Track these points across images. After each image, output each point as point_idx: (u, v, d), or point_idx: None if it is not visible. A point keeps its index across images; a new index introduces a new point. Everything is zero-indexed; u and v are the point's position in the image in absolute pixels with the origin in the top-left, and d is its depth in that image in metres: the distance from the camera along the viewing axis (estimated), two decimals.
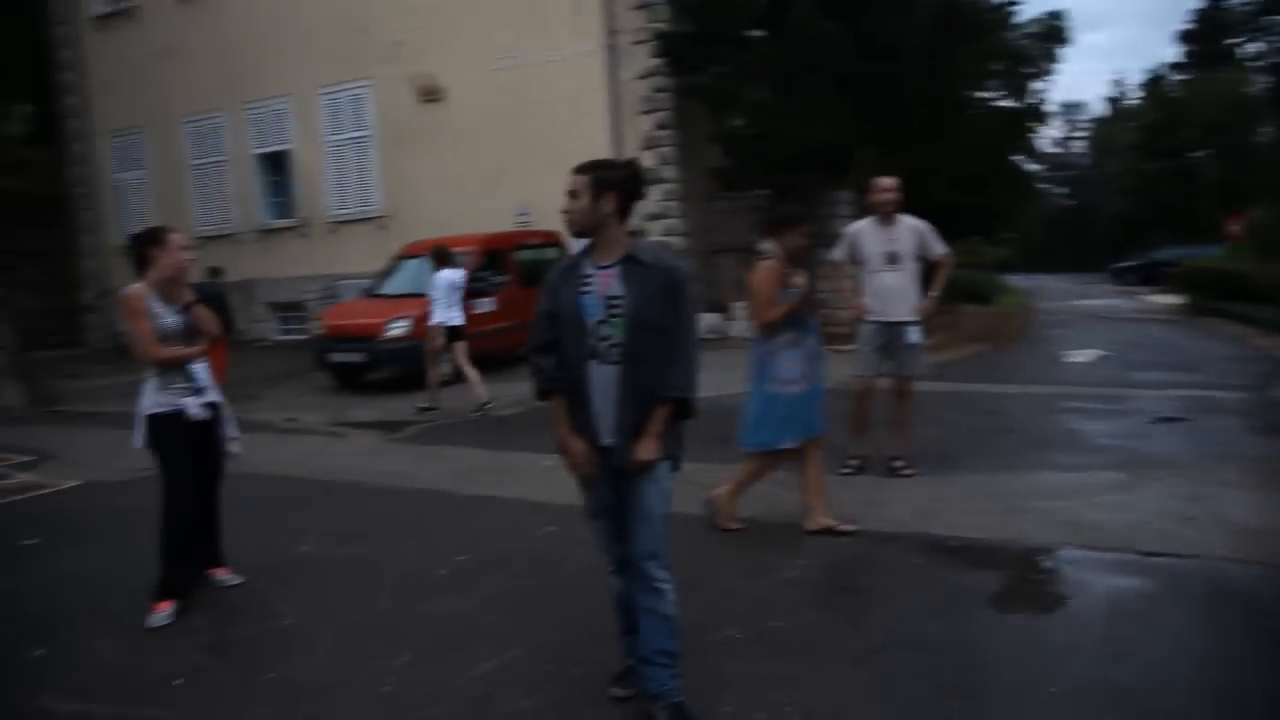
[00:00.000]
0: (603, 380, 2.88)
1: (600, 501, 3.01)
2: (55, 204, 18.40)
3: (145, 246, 4.22)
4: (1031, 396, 8.86)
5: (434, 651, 3.64)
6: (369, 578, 4.54)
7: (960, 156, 13.58)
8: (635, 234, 3.04)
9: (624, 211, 2.92)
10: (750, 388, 4.85)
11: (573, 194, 2.90)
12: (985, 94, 15.83)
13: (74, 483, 7.04)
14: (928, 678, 3.24)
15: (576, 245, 3.05)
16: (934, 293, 5.99)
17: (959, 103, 13.80)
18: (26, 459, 8.02)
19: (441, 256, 9.47)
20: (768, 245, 4.75)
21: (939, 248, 5.91)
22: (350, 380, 11.13)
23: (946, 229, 6.36)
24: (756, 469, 4.92)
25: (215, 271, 12.54)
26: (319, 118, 15.72)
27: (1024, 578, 4.23)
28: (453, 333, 9.28)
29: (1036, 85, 16.08)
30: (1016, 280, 28.41)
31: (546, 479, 5.84)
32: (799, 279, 4.71)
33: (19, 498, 6.71)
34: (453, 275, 9.35)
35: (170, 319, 4.20)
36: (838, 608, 3.94)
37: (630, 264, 2.89)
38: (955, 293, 12.66)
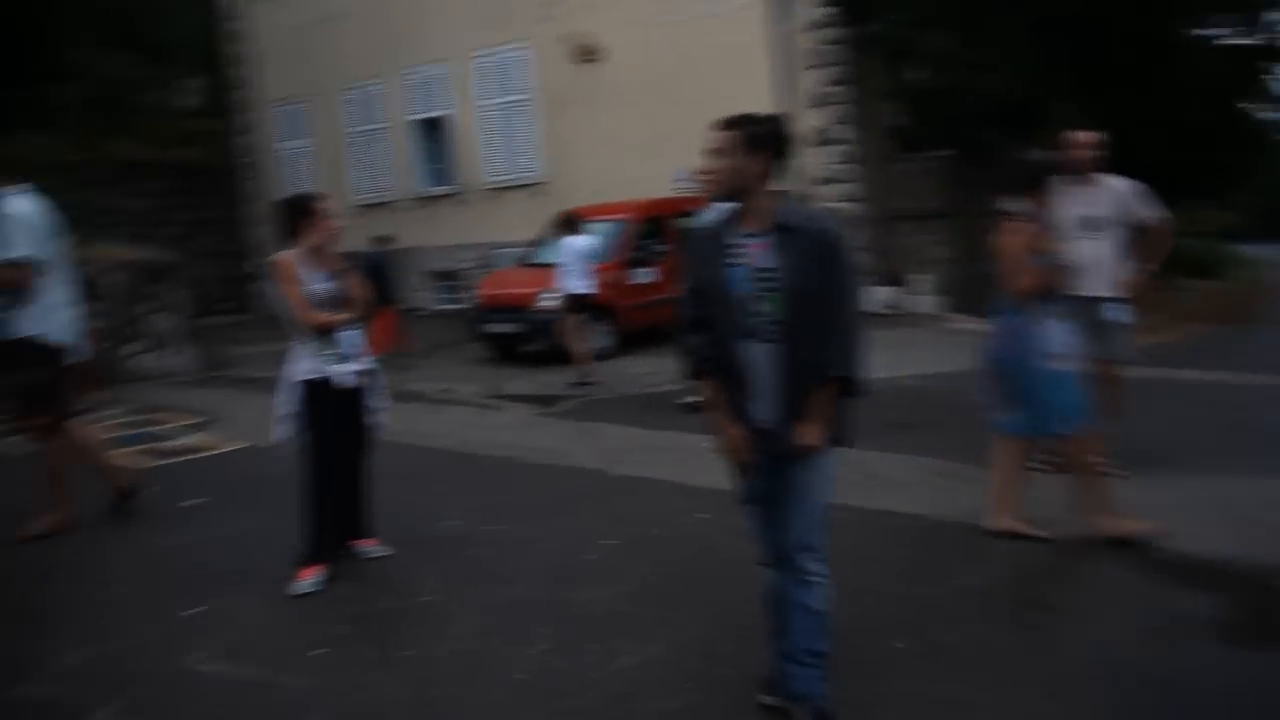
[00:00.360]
0: (759, 359, 2.75)
1: (756, 488, 2.89)
2: (226, 174, 19.74)
3: (294, 214, 4.39)
4: (1271, 387, 8.04)
5: (574, 640, 3.63)
6: (514, 558, 4.60)
7: (1178, 106, 12.40)
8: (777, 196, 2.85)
9: (773, 172, 2.77)
10: (1003, 367, 4.39)
11: (718, 152, 2.74)
12: (1208, 30, 14.27)
13: (237, 446, 7.52)
14: (1132, 717, 2.94)
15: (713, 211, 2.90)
16: (1146, 265, 5.46)
17: (1176, 42, 12.56)
18: (196, 421, 8.66)
19: (570, 223, 9.60)
20: (1017, 204, 4.36)
21: (1150, 212, 5.38)
22: (506, 351, 11.41)
23: (1162, 191, 5.78)
24: (1013, 459, 4.43)
25: (383, 239, 13.11)
26: (475, 82, 16.11)
27: (1259, 605, 3.77)
28: (577, 302, 9.35)
29: (1274, 16, 14.19)
30: (1251, 250, 25.99)
31: (703, 462, 5.73)
32: (1056, 243, 4.33)
33: (187, 458, 7.24)
34: (582, 242, 9.45)
35: (319, 285, 4.35)
36: (1024, 625, 3.63)
37: (782, 231, 2.72)
38: (1175, 265, 11.67)
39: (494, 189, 16.13)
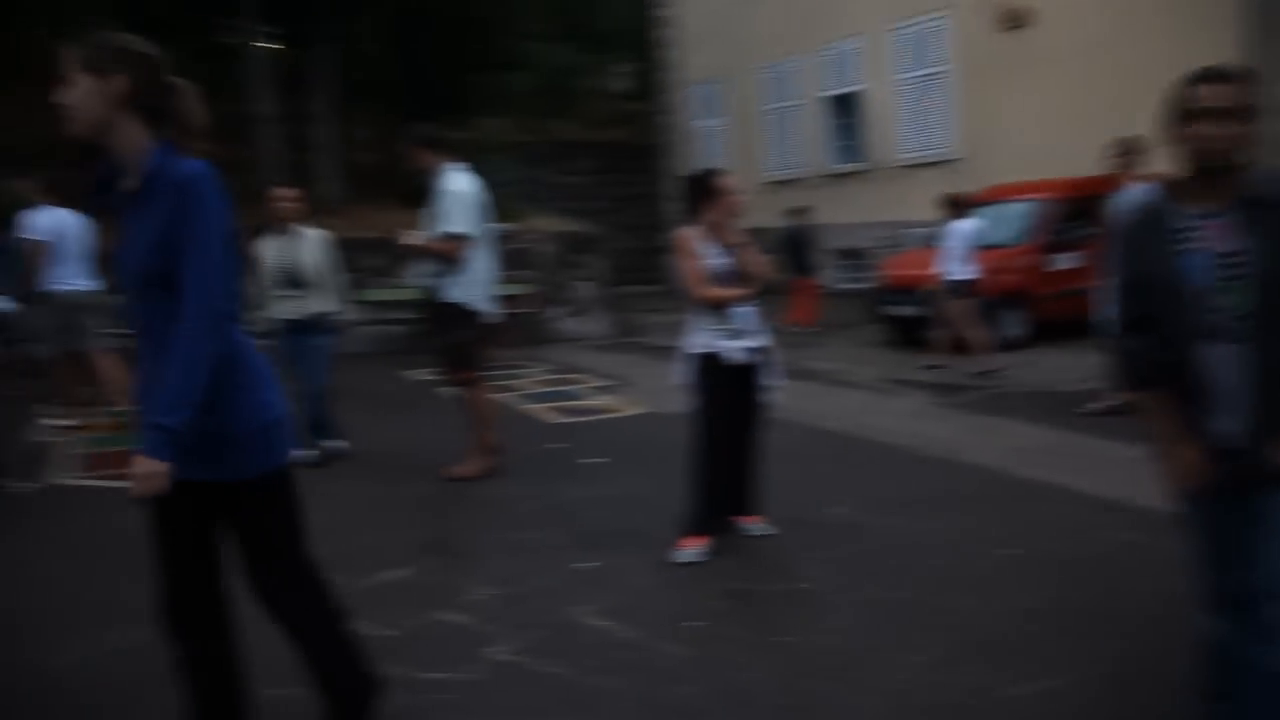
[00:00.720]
0: (1221, 363, 2.25)
1: (1211, 517, 2.39)
2: (649, 152, 21.04)
3: (696, 190, 4.47)
4: None
5: (959, 655, 3.32)
6: (900, 554, 4.36)
7: None
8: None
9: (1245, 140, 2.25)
10: None
11: (1226, 114, 2.20)
12: None
13: (640, 410, 7.96)
14: None
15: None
16: None
17: None
18: (604, 383, 9.32)
19: (955, 204, 9.19)
20: None
21: None
22: (907, 335, 11.00)
23: None
24: None
25: (798, 212, 13.26)
26: (891, 55, 15.61)
27: None
28: (959, 288, 8.94)
29: None
30: None
31: (1127, 473, 5.06)
32: None
33: (593, 418, 7.79)
34: (968, 225, 9.03)
35: (718, 260, 4.38)
36: None
37: (1253, 207, 2.20)
38: None
39: (905, 166, 15.58)
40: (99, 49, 2.27)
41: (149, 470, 2.19)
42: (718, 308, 4.40)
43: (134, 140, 2.29)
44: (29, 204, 6.92)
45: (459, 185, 5.53)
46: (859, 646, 3.44)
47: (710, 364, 4.40)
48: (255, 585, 2.50)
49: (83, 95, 2.25)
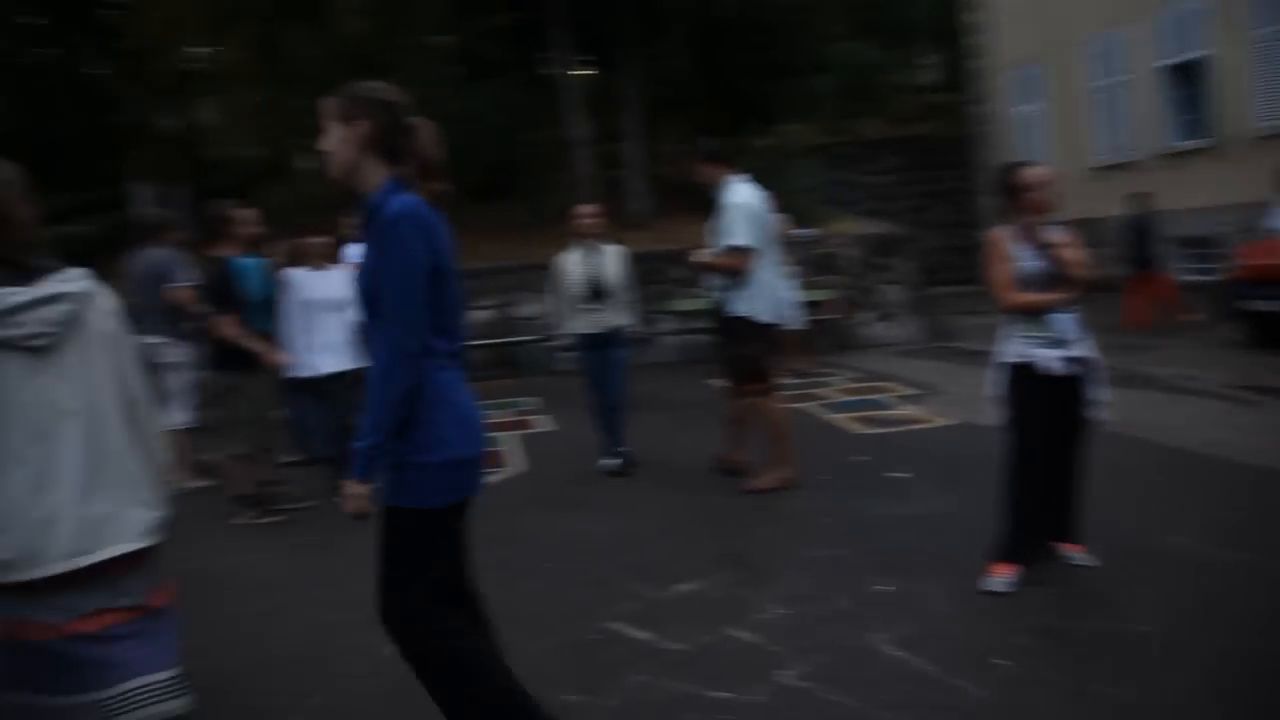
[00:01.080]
0: None
1: None
2: (960, 145, 19.94)
3: (1004, 187, 4.09)
4: None
5: None
6: (1258, 598, 3.73)
7: None
8: None
9: None
10: None
11: None
12: None
13: (950, 421, 7.49)
14: None
15: None
16: None
17: None
18: (912, 392, 8.87)
19: None
20: None
21: None
22: (1269, 334, 9.59)
23: None
24: None
25: (1139, 198, 12.05)
26: (1244, 9, 13.63)
27: None
28: None
29: None
30: None
31: None
32: None
33: (898, 429, 7.43)
34: None
35: (1030, 263, 3.99)
36: None
37: None
38: None
39: (1262, 138, 13.55)
40: (347, 98, 2.47)
41: (351, 491, 2.38)
42: (1032, 314, 4.00)
43: (374, 179, 2.47)
44: (349, 240, 7.71)
45: (741, 198, 5.49)
46: (1201, 706, 2.96)
47: (1025, 374, 4.01)
48: (377, 607, 2.52)
49: (335, 141, 2.47)
